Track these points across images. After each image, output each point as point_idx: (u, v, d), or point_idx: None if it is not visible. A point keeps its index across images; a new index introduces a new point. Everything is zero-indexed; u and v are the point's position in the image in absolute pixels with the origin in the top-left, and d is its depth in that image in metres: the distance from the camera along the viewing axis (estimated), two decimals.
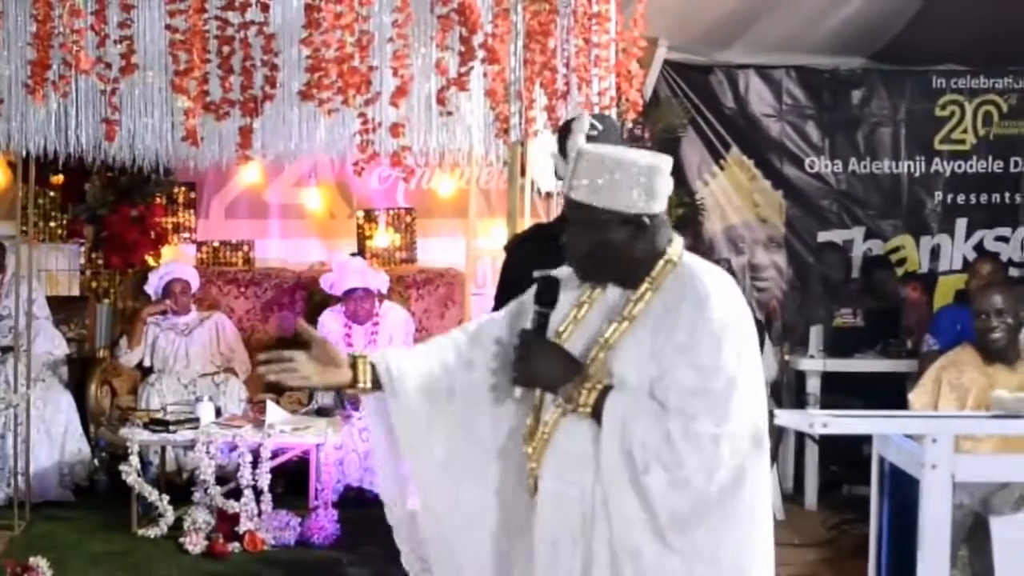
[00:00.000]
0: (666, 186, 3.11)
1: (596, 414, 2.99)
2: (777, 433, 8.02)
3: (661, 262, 3.11)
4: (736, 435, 2.92)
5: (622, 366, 3.03)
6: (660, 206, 3.10)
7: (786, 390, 8.83)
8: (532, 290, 3.28)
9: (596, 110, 5.18)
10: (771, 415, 7.68)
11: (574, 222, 3.10)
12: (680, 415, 2.89)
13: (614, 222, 3.05)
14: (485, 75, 4.97)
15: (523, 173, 6.06)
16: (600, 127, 4.63)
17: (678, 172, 9.53)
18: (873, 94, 10.20)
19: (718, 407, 2.90)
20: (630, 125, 7.68)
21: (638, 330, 3.04)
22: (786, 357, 8.71)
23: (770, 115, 10.10)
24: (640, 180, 3.05)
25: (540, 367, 3.09)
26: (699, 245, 9.64)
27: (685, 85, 9.83)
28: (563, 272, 3.27)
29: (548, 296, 3.17)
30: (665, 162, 3.12)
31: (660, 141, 9.31)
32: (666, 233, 3.15)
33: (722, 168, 10.04)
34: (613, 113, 5.33)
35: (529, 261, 3.61)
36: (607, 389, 2.99)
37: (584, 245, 3.10)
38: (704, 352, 2.93)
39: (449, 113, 5.02)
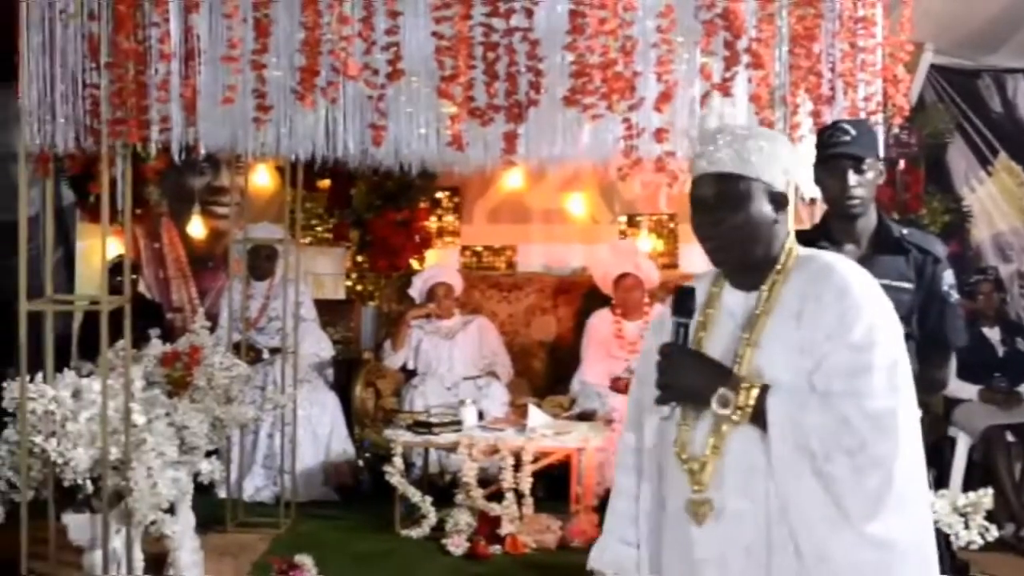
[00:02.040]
0: (795, 167, 3.09)
1: (756, 416, 2.87)
2: None
3: (786, 251, 3.05)
4: (909, 405, 2.85)
5: (771, 362, 2.92)
6: (791, 188, 3.06)
7: None
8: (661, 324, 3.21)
9: (862, 115, 5.07)
10: None
11: (715, 199, 3.01)
12: (851, 396, 2.79)
13: (762, 194, 2.99)
14: (750, 80, 4.86)
15: None
16: (854, 132, 4.55)
17: (944, 178, 9.37)
18: None
19: (887, 381, 2.83)
20: (896, 131, 7.49)
21: (778, 323, 2.95)
22: None
23: None
24: (785, 157, 3.01)
25: (687, 377, 2.97)
26: (965, 252, 9.44)
27: (952, 90, 9.52)
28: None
29: (685, 306, 3.05)
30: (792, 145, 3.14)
31: (927, 147, 9.10)
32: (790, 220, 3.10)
33: (990, 174, 9.68)
34: (880, 119, 5.17)
35: None
36: (765, 388, 2.87)
37: (730, 220, 2.99)
38: (857, 332, 2.84)
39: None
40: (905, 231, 4.65)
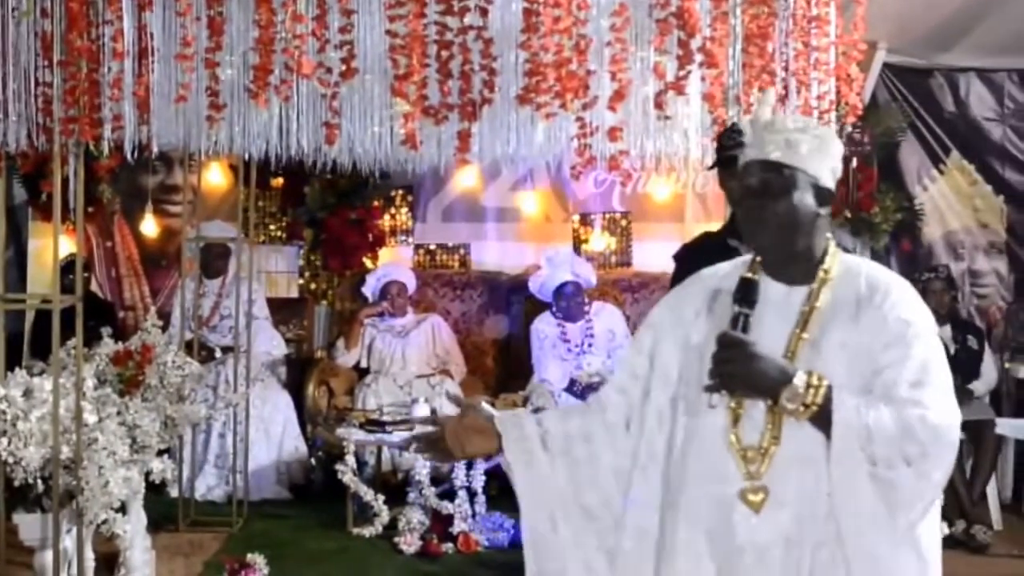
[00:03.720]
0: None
1: (820, 414, 2.87)
2: (996, 442, 7.83)
3: (831, 250, 3.08)
4: (958, 424, 2.89)
5: (827, 360, 2.94)
6: (834, 188, 3.07)
7: (1007, 398, 8.67)
8: (692, 305, 3.20)
9: (815, 114, 5.09)
10: (992, 424, 7.57)
11: (767, 187, 3.01)
12: (915, 405, 2.83)
13: (807, 186, 3.00)
14: (703, 79, 4.89)
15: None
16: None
17: (897, 177, 9.45)
18: None
19: (945, 395, 2.89)
20: (849, 129, 7.55)
21: (835, 322, 2.98)
22: (1006, 365, 8.58)
23: (992, 119, 9.79)
24: (835, 155, 3.05)
25: (755, 370, 2.92)
26: (917, 250, 9.59)
27: (905, 89, 9.62)
28: (722, 271, 3.23)
29: (749, 297, 3.01)
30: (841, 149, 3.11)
31: (879, 145, 9.17)
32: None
33: (942, 173, 9.79)
34: (833, 117, 5.21)
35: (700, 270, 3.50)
36: (831, 387, 2.87)
37: (772, 207, 3.00)
38: (919, 348, 2.91)
39: (667, 117, 4.93)
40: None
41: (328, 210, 10.01)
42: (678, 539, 3.08)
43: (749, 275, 3.06)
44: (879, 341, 2.91)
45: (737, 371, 2.93)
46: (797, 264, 3.06)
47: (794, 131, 3.01)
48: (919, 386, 2.86)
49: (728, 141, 4.58)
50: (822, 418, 2.86)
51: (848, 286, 3.01)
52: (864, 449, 2.82)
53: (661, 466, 3.14)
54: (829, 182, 3.03)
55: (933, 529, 2.99)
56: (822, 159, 3.01)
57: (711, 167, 4.80)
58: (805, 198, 2.99)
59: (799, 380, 2.87)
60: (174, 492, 7.81)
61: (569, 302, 8.90)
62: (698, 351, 3.10)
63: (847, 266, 3.07)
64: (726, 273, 3.19)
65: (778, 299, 3.07)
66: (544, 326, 8.99)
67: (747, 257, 3.18)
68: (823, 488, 2.90)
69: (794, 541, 2.94)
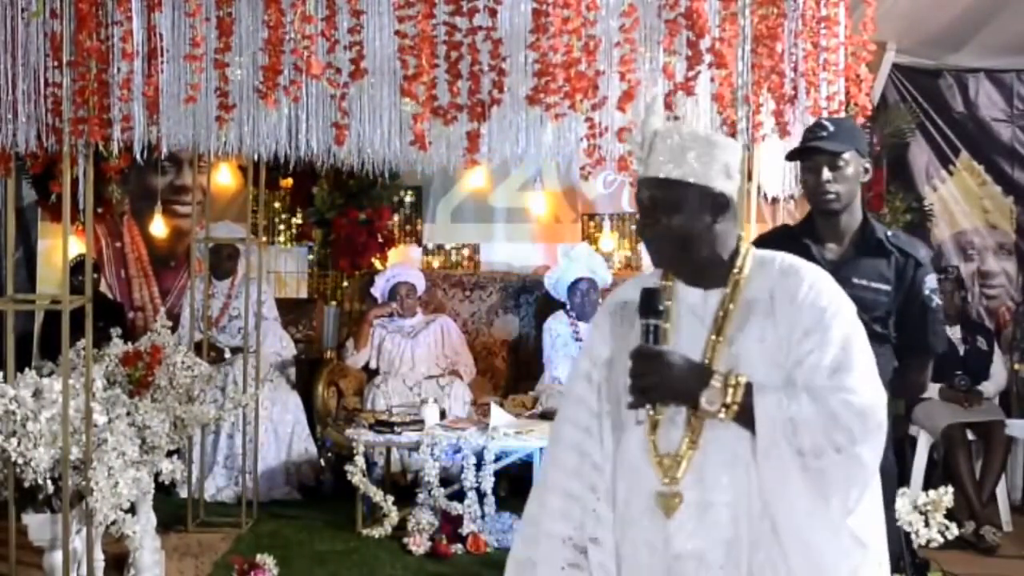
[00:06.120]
0: (739, 168, 3.08)
1: (742, 412, 2.88)
2: (1006, 443, 7.82)
3: (743, 249, 3.09)
4: (884, 404, 2.91)
5: (745, 359, 2.96)
6: (735, 188, 3.06)
7: (1016, 400, 8.65)
8: (603, 324, 3.22)
9: (824, 114, 5.09)
10: (1002, 425, 7.56)
11: (656, 204, 3.01)
12: (837, 391, 2.85)
13: (698, 198, 2.99)
14: (712, 79, 4.88)
15: (750, 178, 5.96)
16: (831, 128, 4.62)
17: (906, 177, 9.42)
18: None
19: (867, 377, 2.91)
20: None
21: (750, 321, 2.99)
22: (1016, 366, 8.54)
23: (1001, 119, 9.73)
24: (725, 159, 3.02)
25: (671, 378, 2.92)
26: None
27: (914, 89, 9.57)
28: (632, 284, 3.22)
29: (653, 307, 3.00)
30: (736, 145, 3.11)
31: (888, 146, 9.15)
32: (739, 220, 3.13)
33: (951, 173, 9.74)
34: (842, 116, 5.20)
35: None
36: (749, 384, 2.88)
37: (664, 223, 3.00)
38: (837, 331, 2.92)
39: (676, 118, 4.93)
40: (890, 233, 4.68)
41: (337, 211, 10.00)
42: (624, 554, 3.09)
43: (651, 285, 3.07)
44: (797, 330, 2.93)
45: (655, 382, 2.94)
46: (708, 270, 3.08)
47: (680, 144, 2.99)
48: (840, 371, 2.88)
49: (809, 135, 4.65)
50: (745, 416, 2.88)
51: (762, 281, 3.03)
52: (790, 442, 2.83)
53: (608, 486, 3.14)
54: (723, 185, 3.01)
55: (874, 512, 2.99)
56: (710, 167, 2.99)
57: (789, 158, 4.80)
58: (697, 211, 3.00)
59: (716, 382, 2.89)
60: (183, 493, 7.82)
61: (583, 299, 8.89)
62: (608, 367, 3.13)
63: (760, 261, 3.08)
64: (635, 284, 3.18)
65: (696, 304, 3.09)
66: (557, 324, 8.98)
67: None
68: (755, 486, 2.91)
69: (734, 544, 2.94)
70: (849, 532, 2.89)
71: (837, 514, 2.87)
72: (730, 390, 2.87)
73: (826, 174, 4.54)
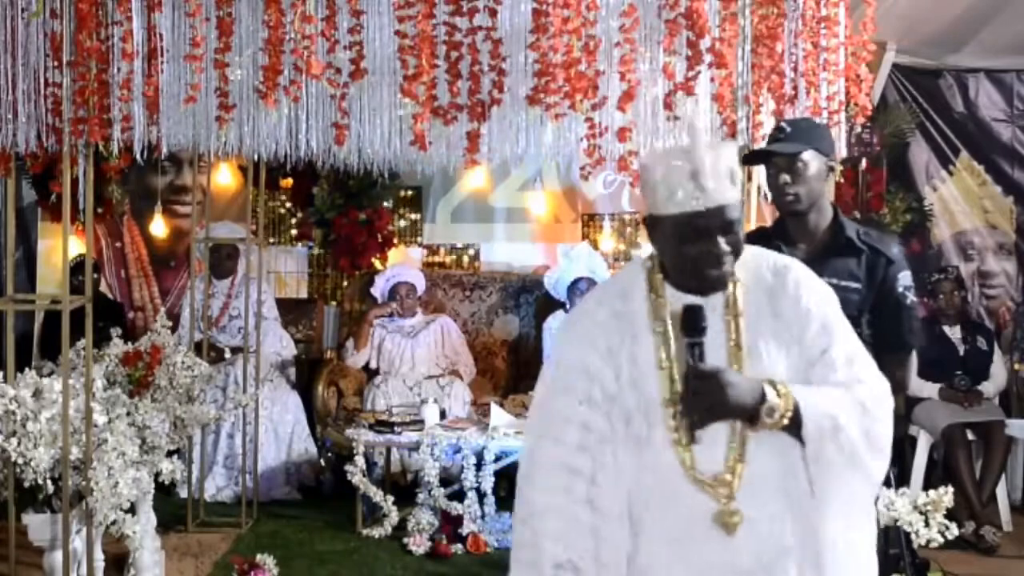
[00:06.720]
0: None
1: (792, 420, 2.87)
2: (1006, 443, 7.82)
3: None
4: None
5: (769, 363, 2.96)
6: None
7: (1016, 400, 8.64)
8: (597, 351, 3.07)
9: (824, 115, 5.10)
10: (1002, 425, 7.56)
11: (734, 228, 2.94)
12: (859, 383, 2.93)
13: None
14: (712, 79, 4.89)
15: (750, 178, 5.96)
16: (788, 129, 4.60)
17: (906, 177, 9.42)
18: None
19: (870, 361, 3.03)
20: (858, 130, 7.53)
21: (758, 322, 2.99)
22: (1016, 366, 8.53)
23: (1001, 119, 9.72)
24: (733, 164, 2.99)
25: (732, 396, 2.85)
26: (927, 251, 9.53)
27: (914, 89, 9.56)
28: (612, 290, 3.19)
29: (697, 325, 2.92)
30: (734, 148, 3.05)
31: (888, 146, 9.14)
32: None
33: (951, 173, 9.73)
34: (842, 118, 5.20)
35: None
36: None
37: (736, 245, 2.95)
38: (839, 324, 3.01)
39: (676, 118, 4.94)
40: (861, 231, 4.67)
41: (337, 211, 9.99)
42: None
43: (692, 303, 2.97)
44: (807, 331, 2.97)
45: (717, 401, 2.87)
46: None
47: (727, 163, 2.92)
48: (851, 363, 2.96)
49: (768, 138, 4.69)
50: (792, 423, 2.88)
51: (756, 279, 3.04)
52: (834, 441, 2.87)
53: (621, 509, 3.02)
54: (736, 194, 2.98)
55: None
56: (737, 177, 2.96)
57: (745, 162, 4.80)
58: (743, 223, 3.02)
59: (771, 395, 2.86)
60: (183, 493, 7.81)
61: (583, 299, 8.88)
62: (615, 384, 3.02)
63: (744, 260, 3.03)
64: (620, 292, 3.13)
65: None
66: (557, 324, 8.97)
67: (632, 268, 3.16)
68: (805, 489, 2.93)
69: (792, 550, 2.95)
70: (872, 519, 3.05)
71: (869, 502, 3.01)
72: (784, 399, 2.85)
73: (783, 177, 4.54)
